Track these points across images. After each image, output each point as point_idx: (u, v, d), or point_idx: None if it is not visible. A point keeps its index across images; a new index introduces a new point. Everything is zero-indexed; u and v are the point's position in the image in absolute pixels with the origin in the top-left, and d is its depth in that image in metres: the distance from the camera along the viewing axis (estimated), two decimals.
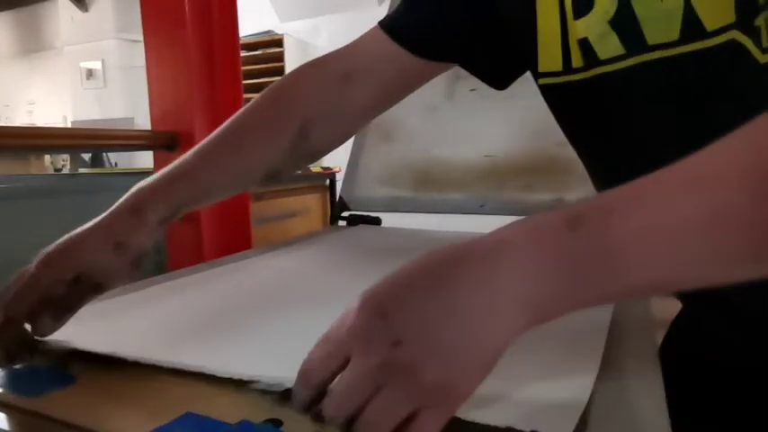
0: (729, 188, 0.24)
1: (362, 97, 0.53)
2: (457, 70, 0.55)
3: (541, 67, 0.42)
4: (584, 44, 0.39)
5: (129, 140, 1.44)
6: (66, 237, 0.42)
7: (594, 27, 0.38)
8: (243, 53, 3.24)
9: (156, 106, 1.44)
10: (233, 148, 0.50)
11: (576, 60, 0.40)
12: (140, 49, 1.52)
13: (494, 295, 0.26)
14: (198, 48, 1.41)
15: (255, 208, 1.73)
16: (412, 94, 0.56)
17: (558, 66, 0.41)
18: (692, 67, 0.35)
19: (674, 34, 0.35)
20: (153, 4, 1.43)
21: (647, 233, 0.25)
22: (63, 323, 0.40)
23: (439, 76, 0.55)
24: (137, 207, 0.44)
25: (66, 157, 3.46)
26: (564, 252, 0.25)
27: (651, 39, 0.36)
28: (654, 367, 0.36)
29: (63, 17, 4.98)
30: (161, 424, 0.29)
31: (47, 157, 3.27)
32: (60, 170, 3.49)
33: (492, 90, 0.56)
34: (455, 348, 0.25)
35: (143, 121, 3.73)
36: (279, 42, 3.99)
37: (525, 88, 0.52)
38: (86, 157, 3.05)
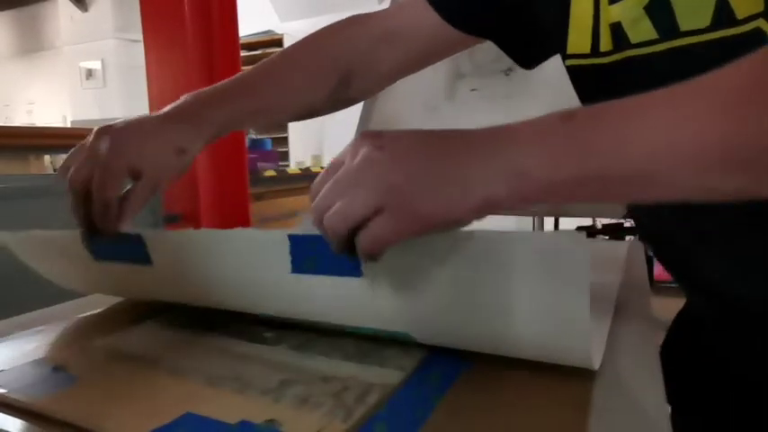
0: (706, 103, 0.27)
1: (394, 58, 0.57)
2: (458, 69, 0.56)
3: (570, 49, 0.44)
4: (617, 28, 0.40)
5: None
6: (123, 125, 0.46)
7: (629, 12, 0.39)
8: (243, 53, 3.23)
9: (155, 106, 1.44)
10: (282, 78, 0.55)
11: (605, 44, 0.41)
12: (140, 49, 1.52)
13: (481, 158, 0.29)
14: (198, 48, 1.41)
15: (255, 208, 1.73)
16: (412, 93, 0.56)
17: (587, 48, 0.42)
18: (717, 53, 0.36)
19: (706, 20, 0.36)
20: (152, 4, 1.42)
21: (628, 133, 0.27)
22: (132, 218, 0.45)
23: (440, 76, 0.56)
24: (195, 115, 0.49)
25: (65, 156, 3.45)
26: (550, 135, 0.29)
27: (683, 24, 0.37)
28: (654, 363, 0.36)
29: (62, 17, 4.99)
30: (161, 424, 0.29)
31: (46, 157, 3.26)
32: None
33: (492, 90, 0.56)
34: (430, 176, 0.29)
35: None
36: (279, 42, 4.00)
37: (525, 88, 0.52)
38: None
